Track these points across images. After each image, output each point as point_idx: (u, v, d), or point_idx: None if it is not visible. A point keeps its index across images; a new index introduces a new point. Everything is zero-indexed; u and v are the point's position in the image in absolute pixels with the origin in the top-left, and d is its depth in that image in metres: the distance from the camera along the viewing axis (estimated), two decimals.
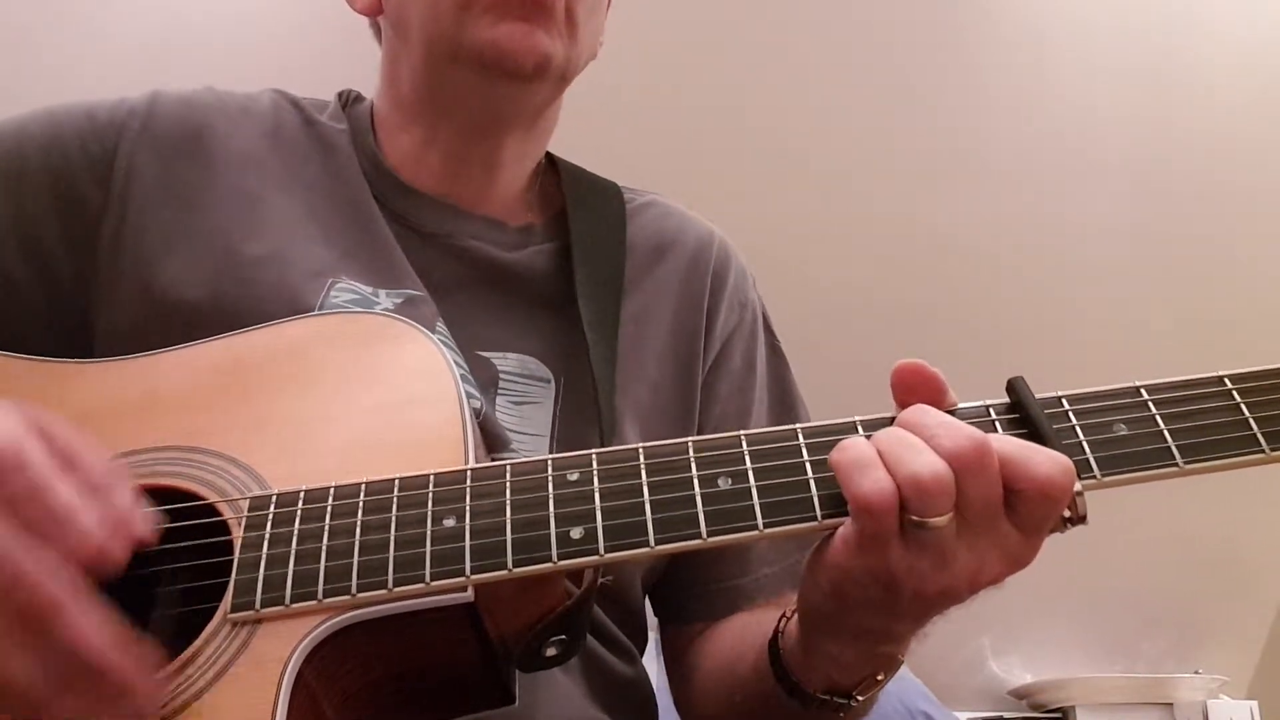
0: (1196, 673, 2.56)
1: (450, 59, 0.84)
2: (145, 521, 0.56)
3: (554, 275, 0.89)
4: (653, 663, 0.91)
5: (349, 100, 0.96)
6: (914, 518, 0.53)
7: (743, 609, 0.85)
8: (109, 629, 0.52)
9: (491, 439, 0.77)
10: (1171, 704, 2.45)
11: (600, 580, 0.64)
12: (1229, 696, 2.53)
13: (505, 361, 0.84)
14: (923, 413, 0.56)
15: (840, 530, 0.56)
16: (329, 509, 0.60)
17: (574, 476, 0.59)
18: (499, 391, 0.82)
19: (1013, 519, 0.54)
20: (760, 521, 0.57)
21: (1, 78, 1.99)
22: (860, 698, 0.66)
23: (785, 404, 0.94)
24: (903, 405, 0.59)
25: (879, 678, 0.66)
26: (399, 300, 0.81)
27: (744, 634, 0.79)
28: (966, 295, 2.49)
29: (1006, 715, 2.55)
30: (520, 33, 0.81)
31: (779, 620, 0.69)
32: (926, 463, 0.53)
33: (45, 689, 0.50)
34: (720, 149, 2.36)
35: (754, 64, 2.36)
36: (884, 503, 0.53)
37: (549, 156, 0.98)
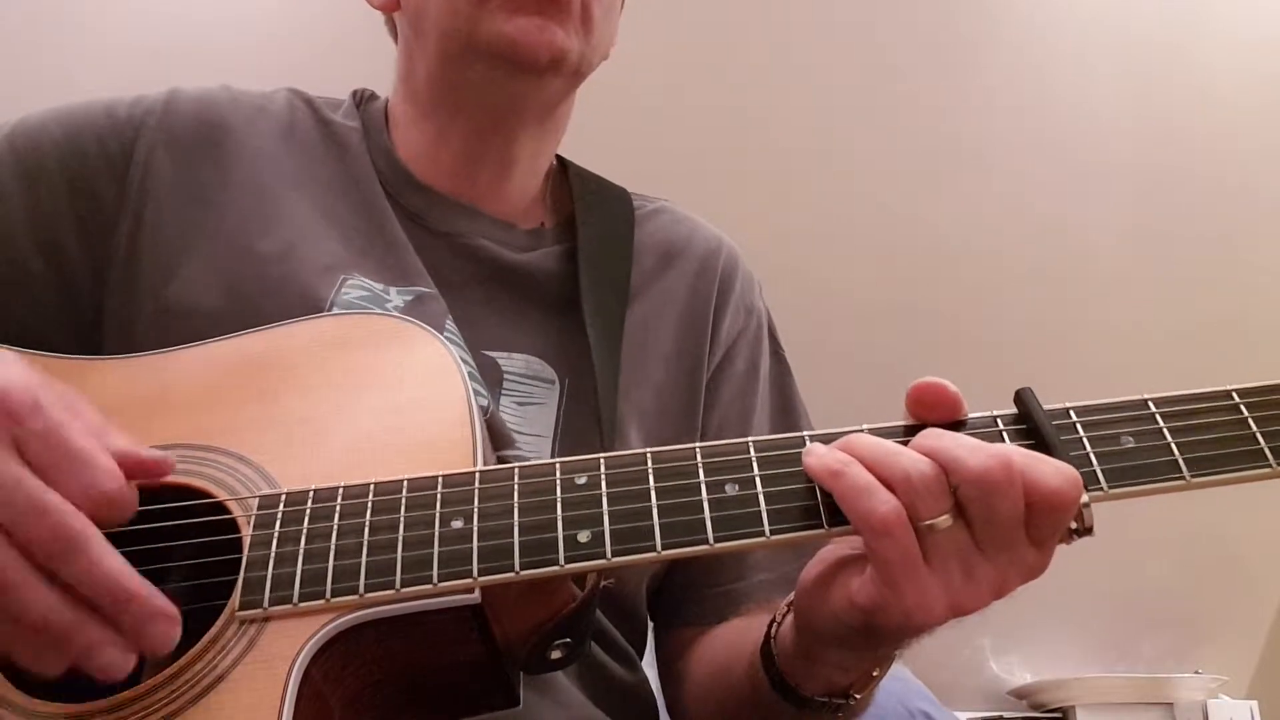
0: (1196, 673, 2.56)
1: (465, 53, 0.84)
2: (156, 461, 0.57)
3: (562, 278, 0.89)
4: (653, 669, 0.92)
5: (363, 99, 0.96)
6: (921, 524, 0.54)
7: (737, 614, 0.85)
8: (124, 563, 0.53)
9: (497, 437, 0.78)
10: (1171, 704, 2.45)
11: (602, 583, 0.64)
12: (1229, 696, 2.53)
13: (511, 362, 0.84)
14: (940, 436, 0.56)
15: (867, 575, 0.56)
16: (338, 509, 0.60)
17: (582, 480, 0.60)
18: (504, 391, 0.83)
19: (1026, 531, 0.55)
20: (767, 528, 0.57)
21: (5, 77, 1.99)
22: (858, 695, 0.67)
23: (787, 411, 0.94)
24: (916, 419, 0.59)
25: (874, 674, 0.66)
26: (409, 298, 0.82)
27: (737, 639, 0.80)
28: (970, 298, 2.49)
29: (1006, 715, 2.55)
30: (535, 26, 0.81)
31: (770, 626, 0.69)
32: (911, 460, 0.54)
33: (67, 618, 0.51)
34: (723, 151, 2.36)
35: (756, 66, 2.36)
36: (899, 520, 0.53)
37: (560, 160, 0.99)
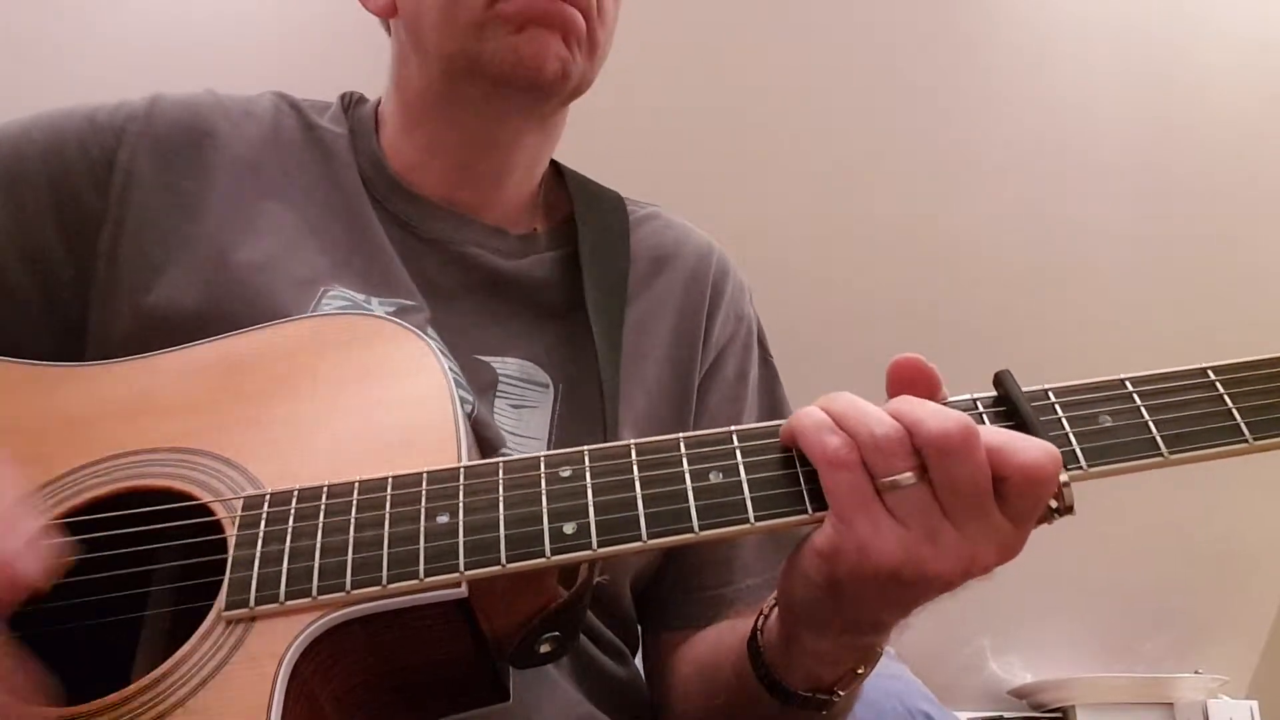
0: (1196, 673, 2.56)
1: (468, 73, 0.84)
2: (35, 563, 0.55)
3: (557, 283, 0.89)
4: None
5: (352, 102, 0.96)
6: (883, 480, 0.54)
7: (724, 618, 0.85)
8: None
9: (484, 439, 0.78)
10: (1171, 704, 2.45)
11: (597, 579, 0.64)
12: (1229, 696, 2.53)
13: (505, 366, 0.84)
14: (909, 401, 0.57)
15: (827, 515, 0.56)
16: (323, 507, 0.60)
17: (566, 473, 0.60)
18: (497, 394, 0.83)
19: (1003, 508, 0.55)
20: (751, 515, 0.57)
21: (1, 80, 2.00)
22: (842, 693, 0.67)
23: (775, 418, 0.94)
24: (896, 396, 0.59)
25: (859, 671, 0.66)
26: (391, 309, 0.81)
27: (723, 637, 0.80)
28: (964, 295, 2.49)
29: (1006, 715, 2.55)
30: (540, 40, 0.82)
31: (756, 619, 0.69)
32: (877, 420, 0.55)
33: None
34: (720, 149, 2.37)
35: (754, 65, 2.37)
36: (850, 456, 0.55)
37: (555, 164, 0.99)
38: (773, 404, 0.96)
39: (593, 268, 0.89)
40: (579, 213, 0.93)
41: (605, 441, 0.77)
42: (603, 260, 0.90)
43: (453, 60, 0.85)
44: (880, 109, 2.42)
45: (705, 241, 0.99)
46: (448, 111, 0.88)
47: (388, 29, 0.96)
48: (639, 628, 0.92)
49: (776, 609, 0.67)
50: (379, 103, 0.95)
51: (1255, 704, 2.54)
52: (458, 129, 0.89)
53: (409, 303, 0.82)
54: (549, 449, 0.81)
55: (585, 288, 0.87)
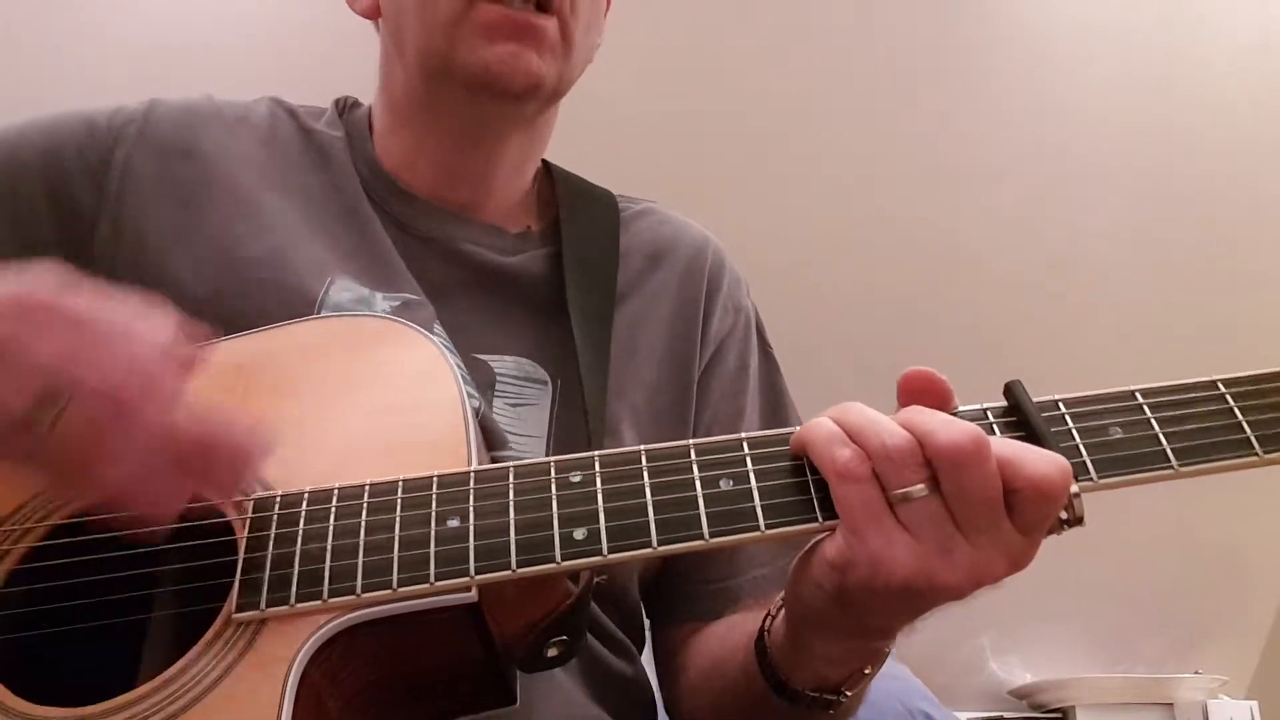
0: (1196, 673, 2.56)
1: (443, 75, 0.85)
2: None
3: (550, 280, 0.90)
4: (652, 665, 0.92)
5: (346, 106, 0.97)
6: (895, 492, 0.54)
7: (733, 610, 0.85)
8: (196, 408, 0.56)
9: (490, 438, 0.78)
10: (1171, 704, 2.45)
11: (596, 580, 0.65)
12: (1229, 696, 2.53)
13: (502, 364, 0.85)
14: (920, 412, 0.57)
15: (838, 527, 0.57)
16: (333, 510, 0.60)
17: (577, 478, 0.60)
18: (496, 393, 0.83)
19: (1013, 519, 0.55)
20: (761, 522, 0.57)
21: (1, 80, 1.99)
22: (849, 693, 0.67)
23: (778, 409, 0.95)
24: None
25: (866, 671, 0.66)
26: (396, 303, 0.82)
27: (731, 634, 0.80)
28: (967, 298, 2.49)
29: (1006, 715, 2.55)
30: (510, 54, 0.82)
31: (764, 619, 0.70)
32: (889, 432, 0.55)
33: (148, 474, 0.55)
34: (721, 151, 2.37)
35: (755, 68, 2.37)
36: (862, 469, 0.55)
37: (545, 164, 0.99)
38: (774, 396, 0.96)
39: (575, 267, 0.89)
40: (564, 212, 0.94)
41: (589, 439, 0.78)
42: (587, 259, 0.91)
43: (428, 60, 0.85)
44: (881, 112, 2.42)
45: (700, 235, 0.99)
46: (430, 112, 0.89)
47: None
48: (649, 622, 0.92)
49: (783, 611, 0.67)
50: (372, 107, 0.96)
51: (1255, 704, 2.54)
52: (440, 129, 0.89)
53: (414, 297, 0.83)
54: (549, 446, 0.82)
55: (567, 288, 0.88)
